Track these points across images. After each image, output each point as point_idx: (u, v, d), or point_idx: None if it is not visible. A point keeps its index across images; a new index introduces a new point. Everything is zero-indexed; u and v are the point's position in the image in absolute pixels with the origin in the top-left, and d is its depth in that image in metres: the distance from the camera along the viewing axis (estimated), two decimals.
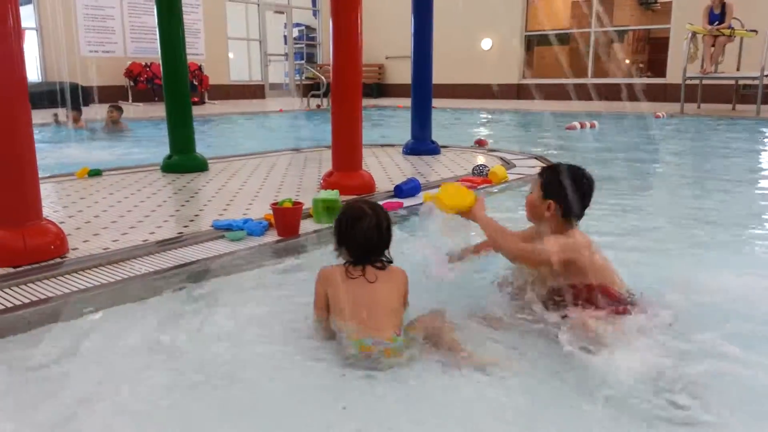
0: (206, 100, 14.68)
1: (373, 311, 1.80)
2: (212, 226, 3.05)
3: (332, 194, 3.25)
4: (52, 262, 2.46)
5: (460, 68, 16.65)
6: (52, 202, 3.59)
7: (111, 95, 13.12)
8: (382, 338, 1.75)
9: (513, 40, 16.54)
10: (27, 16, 14.25)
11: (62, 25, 13.38)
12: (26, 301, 2.08)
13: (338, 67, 3.92)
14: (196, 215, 3.32)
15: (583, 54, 16.53)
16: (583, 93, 15.71)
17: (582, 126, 9.18)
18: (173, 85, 4.67)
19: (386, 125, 12.26)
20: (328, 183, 3.91)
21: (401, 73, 18.82)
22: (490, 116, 12.75)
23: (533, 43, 17.11)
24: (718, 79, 12.33)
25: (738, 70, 12.22)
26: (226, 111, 12.84)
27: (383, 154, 5.94)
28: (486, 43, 16.85)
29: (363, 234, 1.88)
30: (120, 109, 8.71)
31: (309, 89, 15.89)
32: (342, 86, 3.95)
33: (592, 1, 15.84)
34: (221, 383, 1.68)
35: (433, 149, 5.94)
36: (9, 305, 2.05)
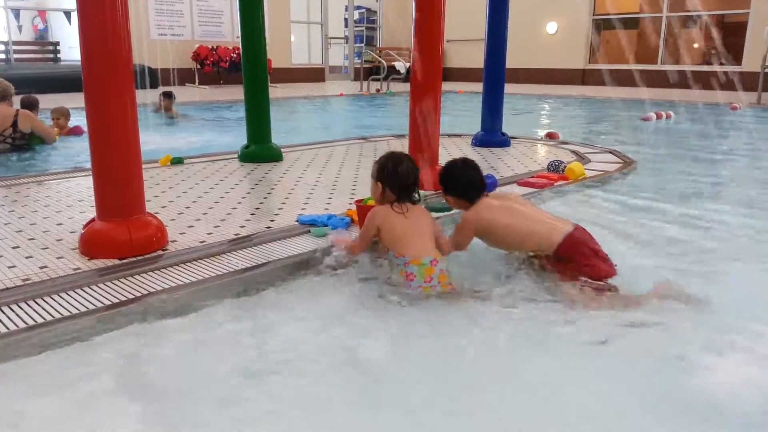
0: (270, 84, 14.89)
1: (424, 238, 2.38)
2: (297, 221, 3.13)
3: None
4: (154, 254, 2.58)
5: (523, 52, 16.26)
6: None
7: (178, 78, 13.51)
8: (434, 256, 2.34)
9: (580, 24, 16.04)
10: None
11: (133, 9, 13.80)
12: (142, 292, 2.19)
13: (419, 57, 3.87)
14: (280, 209, 3.40)
15: (654, 39, 15.88)
16: (651, 80, 15.12)
17: (658, 117, 8.84)
18: (253, 78, 4.78)
19: (449, 112, 12.11)
20: None
21: (462, 56, 18.58)
22: (554, 103, 12.46)
23: (600, 27, 16.53)
24: None
25: None
26: (290, 95, 13.02)
27: (452, 146, 5.91)
28: (551, 27, 16.41)
29: (405, 174, 2.44)
30: (171, 97, 8.78)
31: (368, 73, 15.91)
32: (422, 77, 3.88)
33: None
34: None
35: (504, 141, 5.86)
36: (129, 296, 2.16)
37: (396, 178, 2.45)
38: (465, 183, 2.60)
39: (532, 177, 4.26)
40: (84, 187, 3.86)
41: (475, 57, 18.07)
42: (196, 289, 2.26)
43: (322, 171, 4.48)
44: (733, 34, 15.10)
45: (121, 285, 2.27)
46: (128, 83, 2.55)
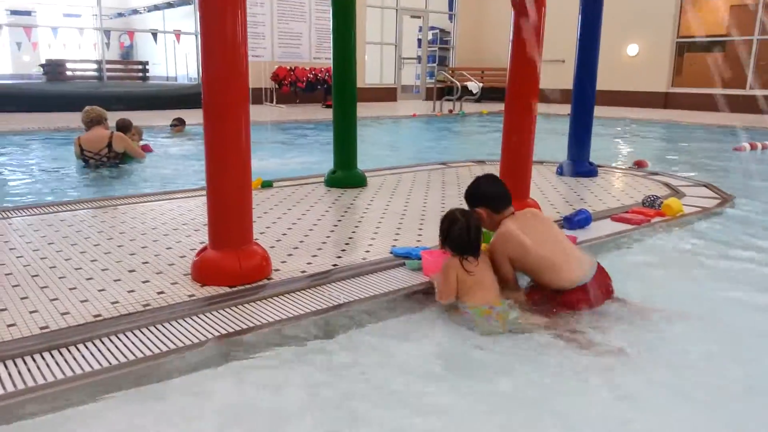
0: None
1: (485, 291, 2.52)
2: (391, 253, 3.15)
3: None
4: (260, 283, 2.66)
5: (604, 74, 15.83)
6: None
7: (252, 98, 13.97)
8: (494, 304, 2.48)
9: (662, 46, 15.53)
10: (185, 17, 15.57)
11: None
12: (256, 322, 2.26)
13: (514, 82, 3.83)
14: (373, 239, 3.44)
15: (742, 63, 15.16)
16: (738, 105, 14.42)
17: (753, 147, 8.39)
18: (343, 104, 4.86)
19: None
20: None
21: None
22: (637, 127, 12.07)
23: (683, 49, 15.94)
24: None
25: None
26: (363, 115, 13.17)
27: (536, 174, 5.80)
28: (632, 49, 15.96)
29: (458, 235, 2.53)
30: (182, 123, 9.12)
31: (441, 93, 15.95)
32: (516, 106, 3.86)
33: (759, 6, 14.45)
34: None
35: (591, 171, 5.71)
36: (243, 326, 2.23)
37: (453, 239, 2.56)
38: (491, 194, 2.75)
39: (627, 212, 4.12)
40: (185, 209, 4.04)
41: (542, 78, 17.78)
42: (302, 322, 2.31)
43: (408, 199, 4.51)
44: None
45: (233, 313, 2.35)
46: (245, 108, 2.63)
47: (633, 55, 16.02)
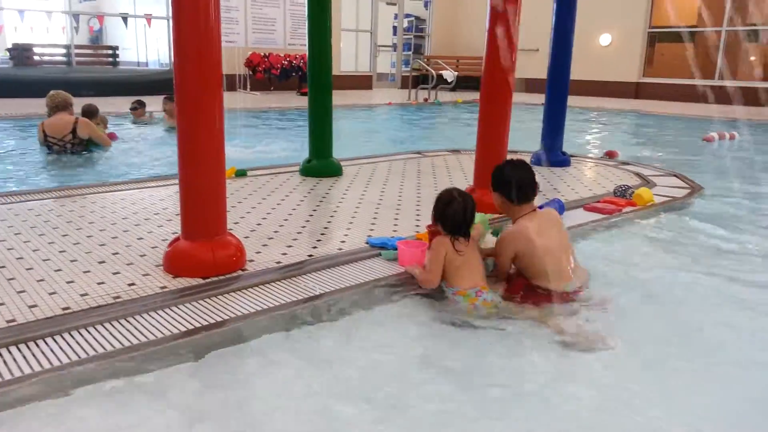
0: None
1: (473, 272, 2.55)
2: (367, 243, 3.15)
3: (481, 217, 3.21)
4: (235, 274, 2.63)
5: (576, 64, 16.00)
6: None
7: (227, 84, 13.77)
8: (481, 288, 2.53)
9: (634, 37, 15.71)
10: (156, 1, 15.22)
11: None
12: (229, 315, 2.24)
13: (490, 71, 3.81)
14: (348, 229, 3.42)
15: (712, 53, 15.43)
16: (706, 95, 14.70)
17: (721, 137, 8.56)
18: (319, 93, 4.81)
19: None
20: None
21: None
22: (608, 117, 12.22)
23: (655, 39, 16.15)
24: None
25: None
26: (338, 103, 13.07)
27: None
28: (605, 39, 16.11)
29: (454, 214, 2.54)
30: (142, 105, 8.75)
31: (416, 81, 15.91)
32: (492, 95, 3.84)
33: None
34: None
35: (564, 161, 5.77)
36: (218, 318, 2.21)
37: (448, 218, 2.57)
38: (515, 182, 2.70)
39: (599, 202, 4.18)
40: (156, 199, 3.98)
41: (517, 67, 17.88)
42: (276, 314, 2.29)
43: (383, 189, 4.50)
44: None
45: (206, 305, 2.32)
46: (218, 94, 2.58)
47: (605, 45, 16.18)
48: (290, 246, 3.07)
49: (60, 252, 2.85)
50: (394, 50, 19.48)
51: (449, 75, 17.31)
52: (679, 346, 2.33)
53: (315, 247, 3.07)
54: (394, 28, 19.37)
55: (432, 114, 13.12)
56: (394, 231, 3.37)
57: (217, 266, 2.60)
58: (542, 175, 5.34)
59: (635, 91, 15.91)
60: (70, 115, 5.99)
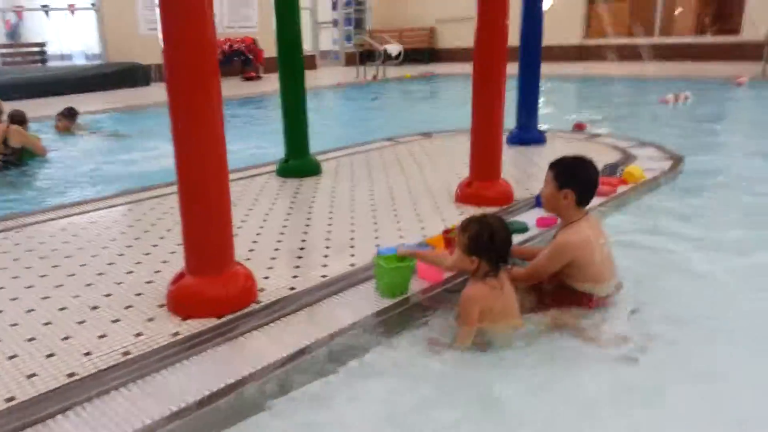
0: (261, 75, 14.51)
1: (511, 309, 2.28)
2: (378, 255, 2.94)
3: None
4: (249, 309, 2.39)
5: (515, 28, 16.15)
6: None
7: (157, 75, 13.04)
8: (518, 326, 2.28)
9: None
10: None
11: (119, 3, 13.27)
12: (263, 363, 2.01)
13: (481, 53, 3.57)
14: (352, 239, 3.21)
15: (648, 11, 15.72)
16: (648, 54, 15.01)
17: (677, 98, 8.72)
18: (291, 85, 4.49)
19: (455, 99, 11.89)
20: (466, 194, 3.75)
21: (454, 37, 18.35)
22: (558, 84, 12.25)
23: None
24: None
25: None
26: None
27: None
28: (546, 2, 16.13)
29: (502, 245, 2.23)
30: (71, 115, 7.37)
31: (362, 58, 15.55)
32: (484, 79, 3.61)
33: None
34: None
35: (539, 138, 5.68)
36: (251, 370, 1.97)
37: (494, 250, 2.21)
38: (591, 182, 2.49)
39: None
40: (132, 219, 3.65)
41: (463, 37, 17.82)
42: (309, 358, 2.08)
43: (371, 187, 4.27)
44: (729, 3, 15.01)
45: (230, 351, 2.08)
46: (216, 92, 2.26)
47: (546, 8, 16.21)
48: (298, 266, 2.84)
49: (43, 299, 2.52)
50: (335, 26, 18.97)
51: (394, 49, 17.04)
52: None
53: (325, 265, 2.84)
54: (334, 3, 18.84)
55: (384, 92, 12.87)
56: (401, 237, 3.18)
57: (231, 302, 2.35)
58: (524, 155, 5.26)
59: (578, 53, 16.06)
60: None
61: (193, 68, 2.17)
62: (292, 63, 4.46)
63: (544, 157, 5.11)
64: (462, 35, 18.30)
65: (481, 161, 3.76)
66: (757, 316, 2.44)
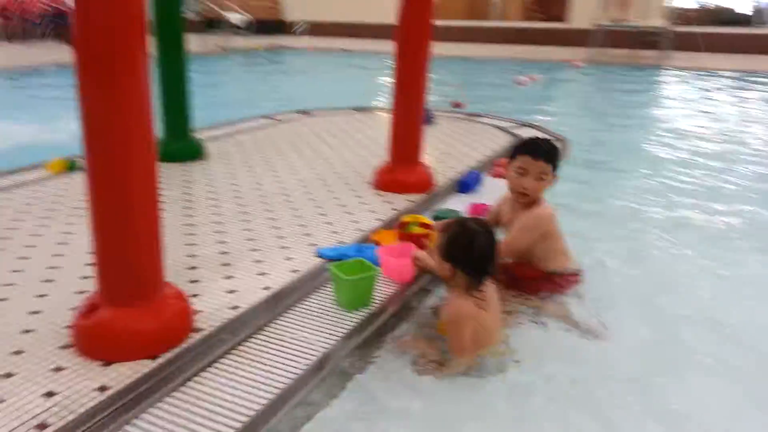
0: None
1: (498, 325, 2.03)
2: (319, 257, 2.56)
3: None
4: (187, 344, 1.87)
5: (363, 7, 16.19)
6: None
7: None
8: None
9: None
10: None
11: None
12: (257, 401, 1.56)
13: (405, 30, 3.30)
14: (281, 237, 2.76)
15: None
16: (486, 36, 15.81)
17: (531, 79, 9.22)
18: (170, 52, 3.83)
19: (311, 73, 11.48)
20: (386, 181, 3.47)
21: (302, 7, 17.79)
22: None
23: None
24: (625, 27, 12.77)
25: None
26: None
27: (367, 126, 5.46)
28: None
29: (482, 253, 1.92)
30: None
31: (203, 27, 14.35)
32: (409, 56, 3.33)
33: None
34: None
35: (428, 118, 5.53)
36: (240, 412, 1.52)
37: (470, 260, 1.92)
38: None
39: (497, 165, 4.01)
40: None
41: (320, 9, 17.34)
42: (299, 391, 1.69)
43: (274, 172, 3.80)
44: None
45: (181, 405, 1.60)
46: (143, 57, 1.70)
47: None
48: (230, 277, 2.35)
49: None
50: None
51: (237, 19, 16.02)
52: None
53: (263, 273, 2.39)
54: None
55: (236, 65, 12.07)
56: (335, 233, 2.81)
57: (167, 338, 1.83)
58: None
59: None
60: None
61: None
62: (169, 26, 3.83)
63: (437, 136, 4.98)
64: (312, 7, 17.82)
65: (403, 144, 3.49)
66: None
